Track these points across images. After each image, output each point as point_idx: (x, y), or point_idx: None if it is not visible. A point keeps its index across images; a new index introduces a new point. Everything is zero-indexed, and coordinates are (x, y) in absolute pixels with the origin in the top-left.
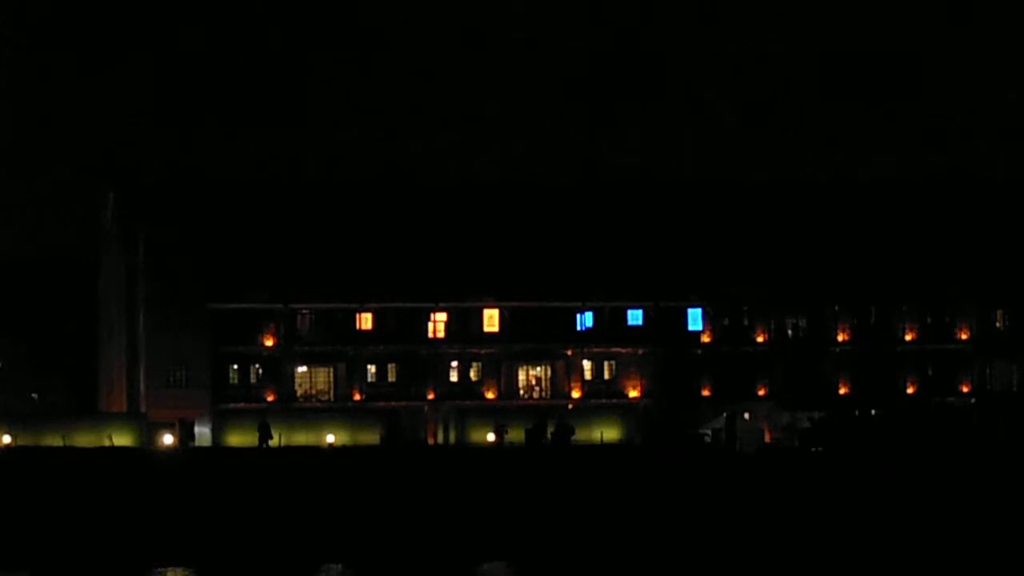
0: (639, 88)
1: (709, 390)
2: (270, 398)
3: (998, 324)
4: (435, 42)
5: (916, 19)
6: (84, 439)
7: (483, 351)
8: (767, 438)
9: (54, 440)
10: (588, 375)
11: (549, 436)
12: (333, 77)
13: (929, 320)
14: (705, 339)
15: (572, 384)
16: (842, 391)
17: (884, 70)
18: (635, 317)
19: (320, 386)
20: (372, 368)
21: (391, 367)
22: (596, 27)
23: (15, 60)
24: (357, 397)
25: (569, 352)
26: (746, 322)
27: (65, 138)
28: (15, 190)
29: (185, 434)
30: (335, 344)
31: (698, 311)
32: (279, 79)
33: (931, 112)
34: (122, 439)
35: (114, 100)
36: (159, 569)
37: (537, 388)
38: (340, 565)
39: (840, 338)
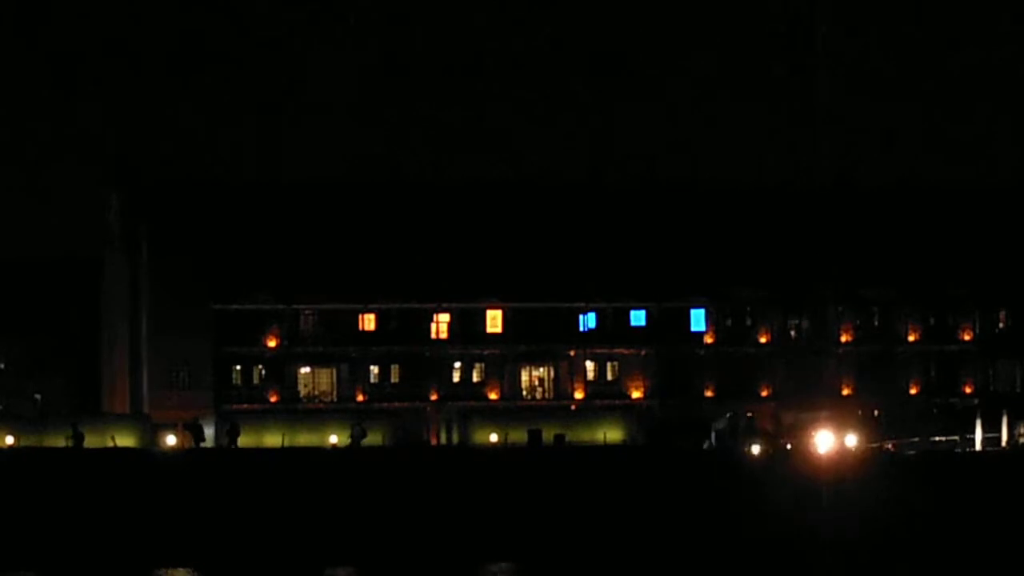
0: (642, 88)
1: (712, 390)
2: (273, 399)
3: (1001, 325)
4: (437, 42)
5: (916, 19)
6: (87, 440)
7: (486, 352)
8: None
9: (57, 441)
10: (591, 376)
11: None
12: (336, 77)
13: (932, 321)
14: (708, 340)
15: (575, 385)
16: (845, 392)
17: (884, 70)
18: (638, 318)
19: (323, 387)
20: (375, 369)
21: (394, 368)
22: (599, 27)
23: (17, 59)
24: (360, 398)
25: (572, 353)
26: (749, 322)
27: (68, 138)
28: (18, 190)
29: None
30: (338, 345)
31: (701, 312)
32: (282, 79)
33: (933, 113)
34: (125, 440)
35: (117, 100)
36: (163, 570)
37: (540, 389)
38: (346, 567)
39: (843, 339)
